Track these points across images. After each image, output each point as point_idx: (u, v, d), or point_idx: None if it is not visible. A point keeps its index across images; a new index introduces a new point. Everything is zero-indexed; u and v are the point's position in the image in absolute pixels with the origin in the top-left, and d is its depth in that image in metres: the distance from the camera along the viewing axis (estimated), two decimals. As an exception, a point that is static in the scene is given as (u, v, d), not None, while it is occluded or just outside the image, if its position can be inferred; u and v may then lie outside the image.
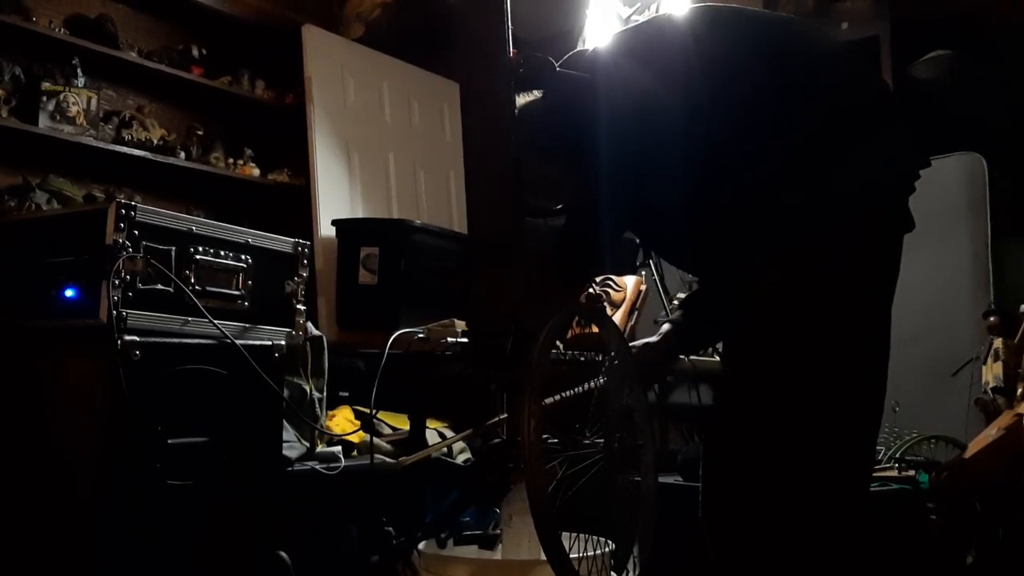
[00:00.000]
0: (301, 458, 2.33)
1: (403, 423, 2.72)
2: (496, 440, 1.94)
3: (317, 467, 2.32)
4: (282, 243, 2.22)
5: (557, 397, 1.77)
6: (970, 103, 3.52)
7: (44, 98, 3.72)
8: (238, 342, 2.02)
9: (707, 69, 1.59)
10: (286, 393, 2.24)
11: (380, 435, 2.65)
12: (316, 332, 2.45)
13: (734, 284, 1.63)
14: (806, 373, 1.55)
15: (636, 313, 2.85)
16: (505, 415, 1.88)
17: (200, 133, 4.40)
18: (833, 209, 1.54)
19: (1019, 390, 2.51)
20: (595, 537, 1.77)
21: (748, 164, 1.56)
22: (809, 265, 1.55)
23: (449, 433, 2.71)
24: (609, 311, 2.85)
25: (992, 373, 2.64)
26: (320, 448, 2.42)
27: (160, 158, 4.07)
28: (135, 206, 1.90)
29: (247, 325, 2.09)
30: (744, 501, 1.57)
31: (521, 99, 1.76)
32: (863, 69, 1.68)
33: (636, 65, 1.66)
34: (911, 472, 2.55)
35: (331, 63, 3.98)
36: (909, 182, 1.61)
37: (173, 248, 1.96)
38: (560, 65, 1.77)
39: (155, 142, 4.10)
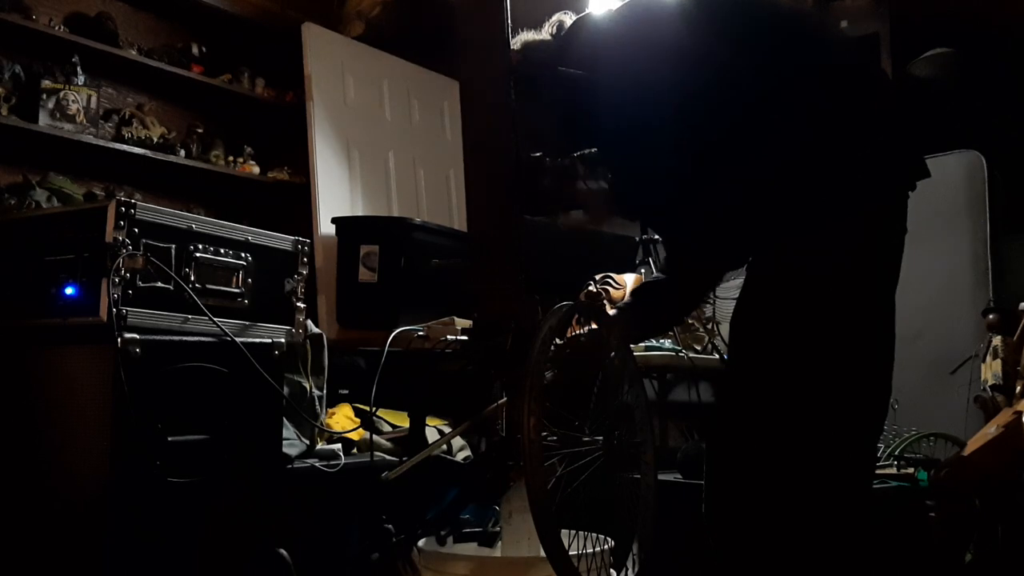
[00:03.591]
0: (301, 455, 2.33)
1: (403, 420, 2.72)
2: (496, 438, 1.94)
3: (317, 464, 2.33)
4: (282, 241, 2.22)
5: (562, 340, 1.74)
6: (969, 101, 3.52)
7: (44, 96, 3.71)
8: (238, 340, 2.03)
9: (702, 60, 1.56)
10: (286, 391, 2.24)
11: (380, 432, 2.65)
12: (316, 330, 2.46)
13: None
14: (807, 372, 1.54)
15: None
16: (501, 404, 1.88)
17: (200, 131, 4.40)
18: (833, 207, 1.53)
19: (1018, 387, 2.51)
20: (594, 534, 1.77)
21: (747, 160, 1.56)
22: (809, 263, 1.54)
23: (448, 431, 2.71)
24: (608, 310, 2.85)
25: (991, 371, 2.64)
26: (320, 446, 2.42)
27: (160, 156, 4.07)
28: (135, 204, 1.90)
29: (247, 323, 2.10)
30: (747, 500, 1.57)
31: (527, 35, 1.75)
32: (868, 63, 1.67)
33: (634, 58, 1.65)
34: (910, 469, 2.55)
35: (331, 61, 3.98)
36: (910, 181, 1.61)
37: (173, 246, 1.96)
38: (559, 35, 1.76)
39: (155, 140, 4.10)
